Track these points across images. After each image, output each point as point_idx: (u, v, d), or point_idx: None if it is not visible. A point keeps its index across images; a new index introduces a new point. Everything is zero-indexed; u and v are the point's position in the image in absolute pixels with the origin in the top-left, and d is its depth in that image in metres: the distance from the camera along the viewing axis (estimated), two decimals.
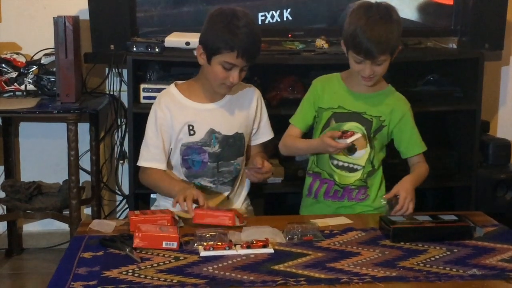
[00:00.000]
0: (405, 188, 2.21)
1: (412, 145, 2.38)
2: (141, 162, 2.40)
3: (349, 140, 2.22)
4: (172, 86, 2.42)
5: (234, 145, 2.39)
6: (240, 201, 2.48)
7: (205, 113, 2.36)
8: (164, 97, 2.40)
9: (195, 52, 2.37)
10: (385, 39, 2.21)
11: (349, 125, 2.33)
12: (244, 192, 2.50)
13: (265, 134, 2.51)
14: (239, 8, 2.29)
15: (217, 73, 2.26)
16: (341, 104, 2.36)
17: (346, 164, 2.36)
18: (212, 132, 2.35)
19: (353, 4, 2.35)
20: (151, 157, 2.37)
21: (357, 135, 2.23)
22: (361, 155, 2.35)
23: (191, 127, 2.35)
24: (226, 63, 2.23)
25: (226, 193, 2.42)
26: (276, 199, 3.30)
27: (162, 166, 2.37)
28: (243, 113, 2.42)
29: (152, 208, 2.51)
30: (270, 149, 2.63)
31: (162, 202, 2.44)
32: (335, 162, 2.36)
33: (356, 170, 2.36)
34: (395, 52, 2.29)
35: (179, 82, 2.45)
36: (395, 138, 2.39)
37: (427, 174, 2.37)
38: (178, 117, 2.35)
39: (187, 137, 2.35)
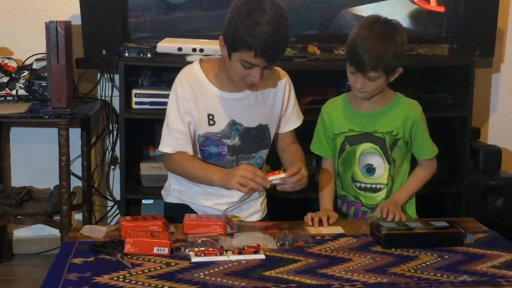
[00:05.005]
0: (385, 205, 2.24)
1: (422, 150, 2.37)
2: (164, 148, 2.21)
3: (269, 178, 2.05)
4: (197, 64, 2.21)
5: (257, 137, 2.24)
6: (260, 194, 2.36)
7: (227, 103, 2.18)
8: (187, 76, 2.19)
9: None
10: (378, 55, 2.16)
11: (363, 147, 2.32)
12: None
13: (292, 121, 2.33)
14: None
15: (237, 70, 2.07)
16: (351, 126, 2.33)
17: (368, 185, 2.34)
18: (233, 124, 2.20)
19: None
20: (174, 142, 2.19)
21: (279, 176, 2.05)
22: (381, 174, 2.33)
23: (211, 117, 2.18)
24: (245, 61, 2.04)
25: None
26: (274, 204, 3.30)
27: (188, 152, 2.20)
28: (269, 104, 2.25)
29: (163, 192, 2.40)
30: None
31: (174, 186, 2.32)
32: (358, 184, 2.35)
33: (380, 189, 2.34)
34: (392, 72, 2.24)
35: (205, 58, 2.26)
36: (410, 141, 2.37)
37: (429, 176, 2.38)
38: (198, 103, 2.17)
39: (206, 127, 2.19)
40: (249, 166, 2.07)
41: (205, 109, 2.18)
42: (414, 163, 2.42)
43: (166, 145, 2.22)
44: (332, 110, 2.39)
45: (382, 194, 2.34)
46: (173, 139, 2.20)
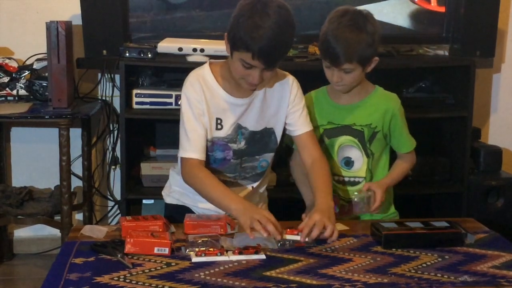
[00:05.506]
0: (371, 184, 2.25)
1: (401, 143, 2.36)
2: (183, 153, 2.15)
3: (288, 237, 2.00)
4: (207, 67, 2.18)
5: (261, 140, 2.22)
6: (262, 190, 2.35)
7: (235, 108, 2.16)
8: (199, 79, 2.16)
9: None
10: (351, 47, 2.14)
11: (342, 140, 2.31)
12: (265, 182, 2.36)
13: (304, 125, 2.24)
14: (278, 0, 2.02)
15: (237, 69, 2.06)
16: (330, 119, 2.33)
17: (346, 179, 2.34)
18: (238, 128, 2.18)
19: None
20: (193, 147, 2.13)
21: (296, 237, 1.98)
22: (359, 167, 2.33)
23: (219, 121, 2.16)
24: (244, 62, 2.02)
25: (251, 186, 2.27)
26: (274, 204, 3.30)
27: (203, 156, 2.14)
28: (274, 107, 2.22)
29: (164, 192, 2.38)
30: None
31: (175, 188, 2.31)
32: (336, 177, 2.33)
33: (358, 182, 2.34)
34: (367, 63, 2.22)
35: (214, 61, 2.23)
36: (389, 134, 2.36)
37: (409, 168, 2.39)
38: (209, 106, 2.15)
39: (214, 131, 2.16)
40: (268, 213, 2.00)
41: (215, 113, 2.17)
42: (392, 157, 2.42)
43: (188, 151, 2.14)
44: (311, 103, 2.37)
45: (360, 188, 2.32)
46: (190, 143, 2.15)
